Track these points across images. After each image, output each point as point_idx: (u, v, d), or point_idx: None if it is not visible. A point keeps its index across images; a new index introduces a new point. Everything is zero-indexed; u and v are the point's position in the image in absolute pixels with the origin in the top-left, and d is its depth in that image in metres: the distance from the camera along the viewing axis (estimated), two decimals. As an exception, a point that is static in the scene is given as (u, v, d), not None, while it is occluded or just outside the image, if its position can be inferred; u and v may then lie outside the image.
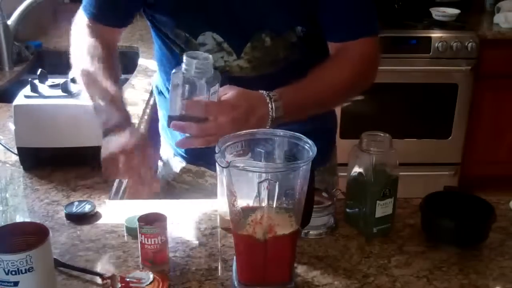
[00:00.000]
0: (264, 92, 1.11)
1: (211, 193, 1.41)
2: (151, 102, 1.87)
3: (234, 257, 0.99)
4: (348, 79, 1.22)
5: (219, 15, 1.20)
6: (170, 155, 1.47)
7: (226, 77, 1.25)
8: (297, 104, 1.14)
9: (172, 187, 1.46)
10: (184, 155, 1.42)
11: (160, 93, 1.43)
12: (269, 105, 1.10)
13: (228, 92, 1.08)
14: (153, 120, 1.75)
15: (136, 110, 1.80)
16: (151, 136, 1.55)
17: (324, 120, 1.40)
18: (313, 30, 1.23)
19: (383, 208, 1.11)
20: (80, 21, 1.29)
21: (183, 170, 1.43)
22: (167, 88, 1.37)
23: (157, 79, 1.46)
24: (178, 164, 1.44)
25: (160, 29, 1.28)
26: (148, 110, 1.81)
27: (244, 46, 1.22)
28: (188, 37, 1.23)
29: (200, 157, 1.40)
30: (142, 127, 1.71)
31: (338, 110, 3.00)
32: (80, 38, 1.28)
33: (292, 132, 0.96)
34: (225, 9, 1.19)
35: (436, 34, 3.02)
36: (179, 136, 1.40)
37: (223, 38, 1.22)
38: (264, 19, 1.21)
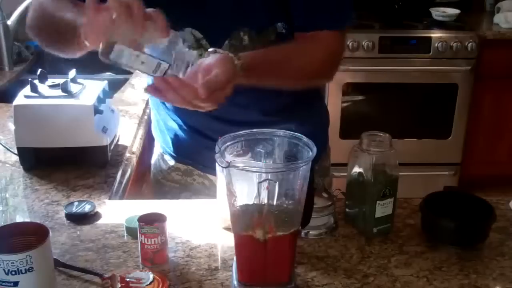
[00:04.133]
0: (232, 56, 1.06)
1: (199, 192, 1.42)
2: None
3: (234, 257, 0.99)
4: (312, 63, 1.22)
5: (198, 12, 1.20)
6: (160, 153, 1.47)
7: None
8: (256, 69, 1.11)
9: (162, 185, 1.47)
10: (173, 153, 1.42)
11: None
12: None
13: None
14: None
15: (136, 110, 1.80)
16: (151, 136, 1.55)
17: (314, 121, 1.40)
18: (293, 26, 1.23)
19: (383, 208, 1.11)
20: None
21: (172, 169, 1.44)
22: None
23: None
24: (167, 162, 1.45)
25: None
26: (148, 110, 1.81)
27: (222, 44, 1.22)
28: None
29: (188, 156, 1.40)
30: (141, 128, 1.71)
31: (337, 111, 3.04)
32: None
33: (292, 132, 0.96)
34: (206, 5, 1.20)
35: (436, 34, 3.01)
36: (167, 135, 1.41)
37: (202, 35, 1.22)
38: (245, 16, 1.21)
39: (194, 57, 0.99)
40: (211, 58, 1.02)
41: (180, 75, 0.98)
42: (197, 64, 1.02)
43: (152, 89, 0.98)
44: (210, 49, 1.05)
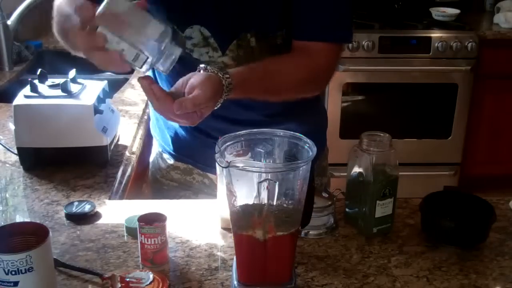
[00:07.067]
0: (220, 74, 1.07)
1: (199, 190, 1.42)
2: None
3: (234, 257, 0.99)
4: (299, 78, 1.22)
5: (208, 10, 1.21)
6: (158, 152, 1.47)
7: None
8: (243, 87, 1.12)
9: (161, 183, 1.47)
10: (172, 152, 1.42)
11: None
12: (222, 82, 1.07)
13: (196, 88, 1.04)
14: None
15: (136, 110, 1.80)
16: (150, 135, 1.55)
17: (313, 121, 1.40)
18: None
19: (383, 208, 1.11)
20: None
21: (171, 167, 1.44)
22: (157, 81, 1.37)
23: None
24: (166, 161, 1.45)
25: None
26: (148, 110, 1.81)
27: (229, 44, 1.23)
28: (176, 29, 1.23)
29: (188, 154, 1.40)
30: (141, 128, 1.71)
31: (337, 111, 3.04)
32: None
33: (292, 132, 0.96)
34: (215, 5, 1.20)
35: (436, 34, 3.02)
36: (167, 133, 1.41)
37: (210, 33, 1.22)
38: (253, 20, 1.21)
39: (179, 53, 1.00)
40: (199, 76, 1.04)
41: (161, 68, 1.00)
42: (187, 77, 1.04)
43: (142, 79, 1.01)
44: (202, 65, 1.07)
